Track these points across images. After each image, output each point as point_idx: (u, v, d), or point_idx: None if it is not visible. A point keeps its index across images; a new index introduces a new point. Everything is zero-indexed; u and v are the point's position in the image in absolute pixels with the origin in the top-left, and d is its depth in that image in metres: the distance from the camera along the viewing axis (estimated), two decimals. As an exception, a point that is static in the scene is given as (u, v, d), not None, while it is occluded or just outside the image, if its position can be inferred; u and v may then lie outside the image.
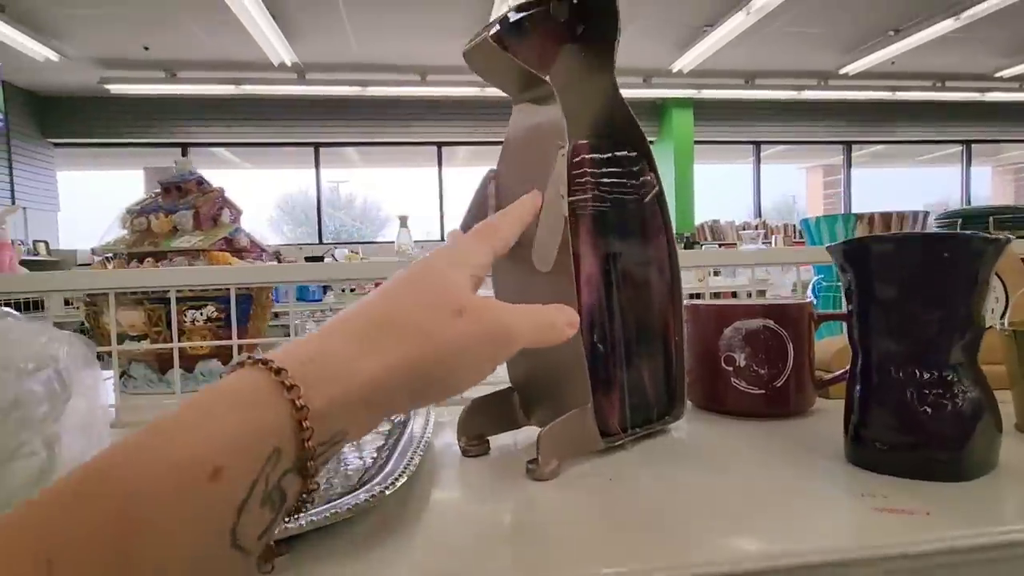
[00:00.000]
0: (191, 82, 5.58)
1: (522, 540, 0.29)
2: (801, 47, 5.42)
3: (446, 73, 5.61)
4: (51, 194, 6.22)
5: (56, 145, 6.26)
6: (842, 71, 5.91)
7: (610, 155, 0.40)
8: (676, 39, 5.15)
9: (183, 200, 0.71)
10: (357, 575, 0.26)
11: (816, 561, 0.26)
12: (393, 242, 2.12)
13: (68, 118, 6.09)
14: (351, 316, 0.23)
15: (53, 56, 4.78)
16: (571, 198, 0.37)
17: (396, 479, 0.31)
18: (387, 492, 0.30)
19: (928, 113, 7.07)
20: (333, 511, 0.27)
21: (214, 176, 0.84)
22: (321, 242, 6.51)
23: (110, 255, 0.69)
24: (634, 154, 0.42)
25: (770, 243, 3.64)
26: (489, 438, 0.42)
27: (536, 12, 0.39)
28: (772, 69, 6.00)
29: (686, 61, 5.51)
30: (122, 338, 0.69)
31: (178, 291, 0.66)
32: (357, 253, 2.95)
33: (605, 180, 0.40)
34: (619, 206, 0.41)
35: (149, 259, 0.67)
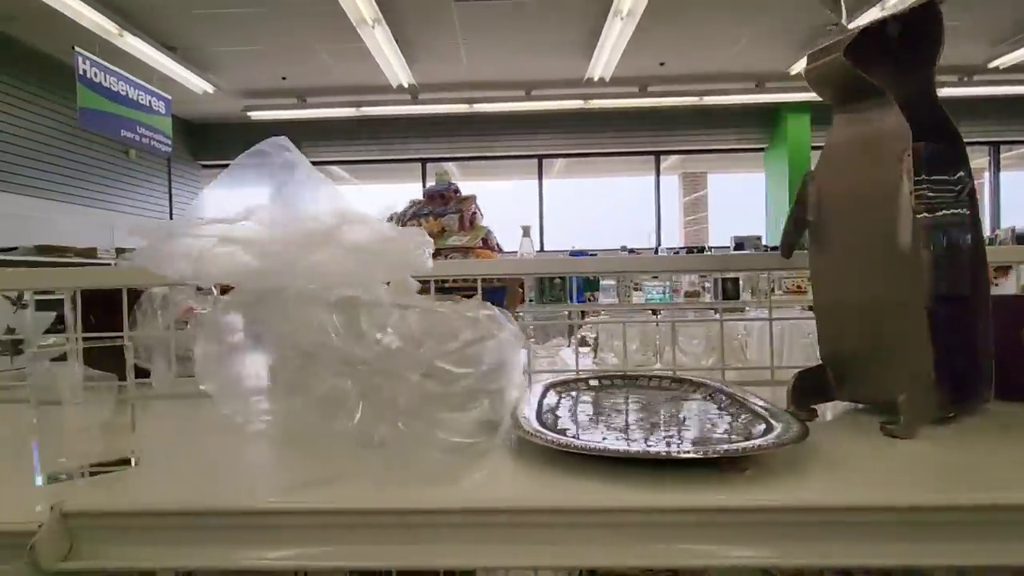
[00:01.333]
0: (318, 107, 6.16)
1: (898, 467, 0.35)
2: (939, 41, 4.99)
3: (550, 87, 5.75)
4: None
5: (204, 167, 7.11)
6: (991, 64, 5.37)
7: (935, 154, 0.45)
8: (794, 41, 4.94)
9: (445, 206, 0.83)
10: (794, 479, 0.33)
11: None
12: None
13: (214, 142, 6.93)
14: None
15: (209, 89, 5.47)
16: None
17: (788, 427, 0.37)
18: (803, 436, 0.37)
19: (1097, 108, 6.23)
20: (773, 442, 0.34)
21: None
22: (426, 252, 6.85)
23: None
24: (953, 152, 0.46)
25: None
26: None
27: (874, 30, 0.44)
28: (901, 66, 5.56)
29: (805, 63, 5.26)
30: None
31: (453, 281, 0.77)
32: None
33: (934, 177, 0.44)
34: (944, 200, 0.45)
35: (426, 255, 0.79)
